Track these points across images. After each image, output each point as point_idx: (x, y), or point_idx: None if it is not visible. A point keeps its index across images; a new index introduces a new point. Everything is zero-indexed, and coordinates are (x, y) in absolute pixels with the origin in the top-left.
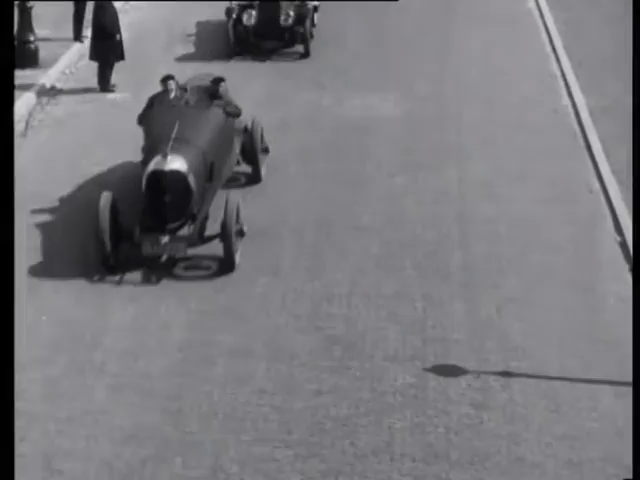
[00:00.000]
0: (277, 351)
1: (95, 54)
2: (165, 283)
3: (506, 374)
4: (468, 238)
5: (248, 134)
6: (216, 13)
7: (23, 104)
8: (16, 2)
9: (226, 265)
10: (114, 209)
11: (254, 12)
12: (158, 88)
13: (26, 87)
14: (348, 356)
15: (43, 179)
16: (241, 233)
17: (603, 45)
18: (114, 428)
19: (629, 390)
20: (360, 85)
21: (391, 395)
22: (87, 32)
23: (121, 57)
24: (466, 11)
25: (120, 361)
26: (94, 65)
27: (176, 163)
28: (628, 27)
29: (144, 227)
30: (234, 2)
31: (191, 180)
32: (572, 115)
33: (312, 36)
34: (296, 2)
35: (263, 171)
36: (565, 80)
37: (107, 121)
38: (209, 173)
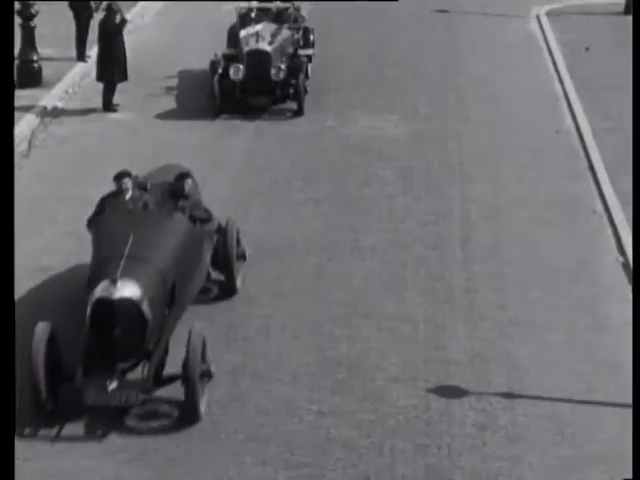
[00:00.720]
0: (279, 372)
1: (101, 75)
2: (112, 438)
3: (509, 396)
4: (471, 259)
5: (221, 236)
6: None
7: (25, 124)
8: (19, 22)
9: (189, 413)
10: (51, 342)
11: (241, 66)
12: (160, 109)
13: (29, 107)
14: (350, 377)
15: (45, 198)
16: (208, 374)
17: (606, 66)
18: (117, 450)
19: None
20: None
21: (393, 416)
22: (90, 52)
23: (124, 78)
24: (469, 33)
25: None
26: (97, 85)
27: (127, 290)
28: (630, 48)
29: (88, 368)
30: (219, 54)
31: (145, 309)
32: (575, 136)
33: (306, 91)
34: (288, 52)
35: (239, 281)
36: (568, 101)
37: (110, 141)
38: (169, 297)
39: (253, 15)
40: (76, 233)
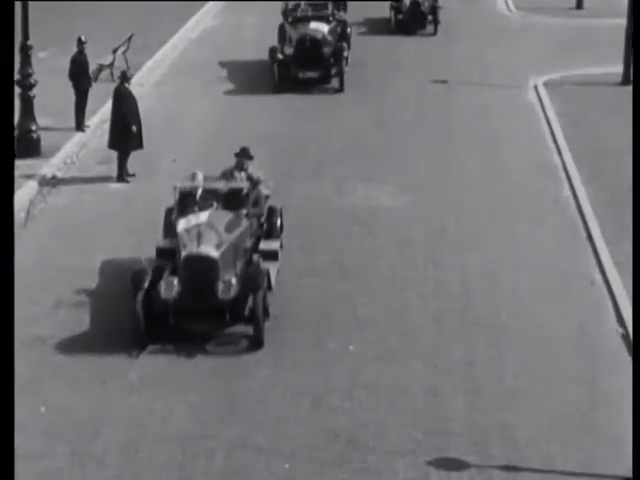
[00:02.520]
0: (278, 444)
1: (113, 143)
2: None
3: (509, 468)
4: (470, 330)
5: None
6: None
7: (24, 193)
8: (18, 92)
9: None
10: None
11: (175, 281)
12: (159, 180)
13: (27, 176)
14: (349, 449)
15: (42, 267)
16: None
17: (604, 137)
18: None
19: None
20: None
21: None
22: (89, 122)
23: (139, 146)
24: (467, 103)
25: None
26: (95, 155)
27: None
28: (629, 118)
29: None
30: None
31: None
32: (573, 206)
33: (268, 314)
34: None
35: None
36: (566, 171)
37: (108, 211)
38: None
39: (198, 197)
40: (72, 303)
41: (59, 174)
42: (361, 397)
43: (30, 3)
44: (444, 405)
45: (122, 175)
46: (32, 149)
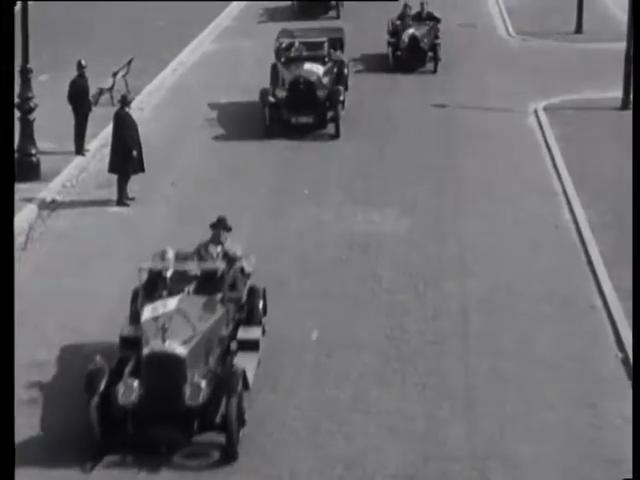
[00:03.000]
0: (277, 468)
1: (113, 167)
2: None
3: None
4: (470, 355)
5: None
6: None
7: (24, 217)
8: (18, 115)
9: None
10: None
11: (135, 383)
12: (158, 204)
13: (27, 200)
14: (348, 475)
15: (42, 291)
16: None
17: (604, 161)
18: None
19: None
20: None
21: None
22: (89, 145)
23: (141, 169)
24: (467, 127)
25: None
26: (95, 178)
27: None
28: (629, 142)
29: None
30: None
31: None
32: (573, 230)
33: (244, 424)
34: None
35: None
36: (566, 196)
37: (107, 235)
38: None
39: (168, 279)
40: (73, 327)
41: (59, 198)
42: (360, 421)
43: (30, 27)
44: (443, 430)
45: (122, 199)
46: (32, 172)
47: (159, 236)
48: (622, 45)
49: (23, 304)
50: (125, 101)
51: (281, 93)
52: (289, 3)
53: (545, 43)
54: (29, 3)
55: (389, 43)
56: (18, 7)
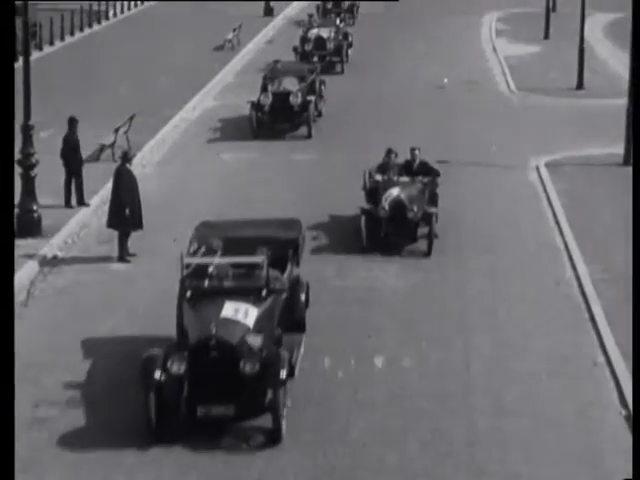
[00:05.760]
0: None
1: (111, 222)
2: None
3: None
4: (473, 412)
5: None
6: None
7: (25, 273)
8: (19, 171)
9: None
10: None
11: None
12: (159, 260)
13: (28, 256)
14: None
15: (43, 348)
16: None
17: (606, 217)
18: None
19: None
20: None
21: None
22: (90, 201)
23: (139, 226)
24: (468, 182)
25: None
26: (96, 234)
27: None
28: (629, 198)
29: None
30: None
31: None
32: (576, 287)
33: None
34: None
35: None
36: (568, 252)
37: (108, 292)
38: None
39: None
40: (73, 383)
41: (60, 254)
42: (362, 479)
43: (32, 84)
44: None
45: (123, 255)
46: (33, 228)
47: (160, 293)
48: (623, 101)
49: (23, 361)
50: (126, 157)
51: (265, 101)
52: (246, 113)
53: (546, 99)
54: (31, 59)
55: (363, 212)
56: (20, 63)
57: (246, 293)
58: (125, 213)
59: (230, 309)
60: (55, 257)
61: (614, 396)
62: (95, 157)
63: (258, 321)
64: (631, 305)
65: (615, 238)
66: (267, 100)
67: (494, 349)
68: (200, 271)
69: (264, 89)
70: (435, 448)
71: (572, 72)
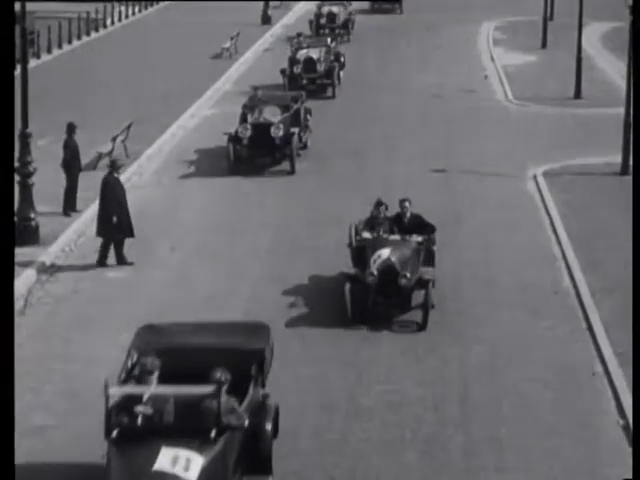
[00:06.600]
0: None
1: (100, 231)
2: None
3: None
4: (469, 421)
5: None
6: None
7: (22, 281)
8: (17, 179)
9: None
10: None
11: None
12: (157, 268)
13: (26, 264)
14: None
15: (41, 356)
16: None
17: (604, 226)
18: None
19: None
20: None
21: None
22: (87, 209)
23: (130, 234)
24: (466, 191)
25: None
26: (94, 243)
27: None
28: (628, 208)
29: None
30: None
31: None
32: (573, 296)
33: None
34: None
35: None
36: (566, 261)
37: (106, 300)
38: None
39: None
40: (71, 392)
41: (58, 262)
42: None
43: (30, 92)
44: None
45: (120, 263)
46: (31, 237)
47: (158, 301)
48: (621, 110)
49: (21, 369)
50: (115, 166)
51: (244, 133)
52: (223, 146)
53: (544, 108)
54: (29, 67)
55: (348, 278)
56: (18, 71)
57: (190, 434)
58: (112, 221)
59: (166, 458)
60: (53, 265)
61: (612, 405)
62: (93, 165)
63: (204, 473)
64: (629, 314)
65: (613, 247)
66: (246, 132)
67: (492, 358)
68: (132, 402)
69: (243, 119)
70: (432, 457)
71: (570, 81)
